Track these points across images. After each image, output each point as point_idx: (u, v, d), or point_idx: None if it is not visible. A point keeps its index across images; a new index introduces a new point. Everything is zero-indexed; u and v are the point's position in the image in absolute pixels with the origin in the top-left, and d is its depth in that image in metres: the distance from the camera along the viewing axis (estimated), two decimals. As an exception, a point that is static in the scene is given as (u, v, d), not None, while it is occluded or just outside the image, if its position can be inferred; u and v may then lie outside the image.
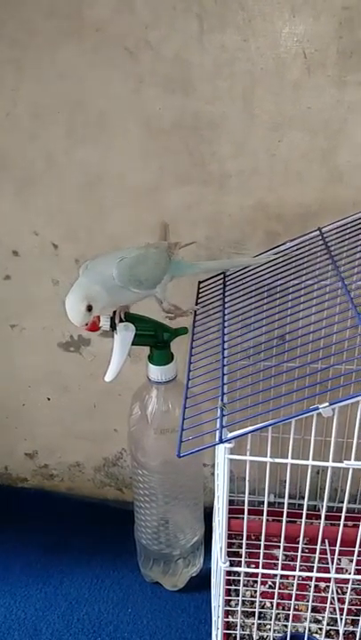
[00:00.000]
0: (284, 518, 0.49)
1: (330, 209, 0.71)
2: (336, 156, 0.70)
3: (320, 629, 0.69)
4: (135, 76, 0.70)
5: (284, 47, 0.66)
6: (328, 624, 0.67)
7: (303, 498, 0.75)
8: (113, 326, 0.65)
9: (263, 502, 0.49)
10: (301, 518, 0.52)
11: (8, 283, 0.85)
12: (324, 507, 0.48)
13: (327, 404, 0.42)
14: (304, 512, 0.48)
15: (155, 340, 0.69)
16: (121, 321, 0.65)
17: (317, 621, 0.71)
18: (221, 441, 0.43)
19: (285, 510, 0.49)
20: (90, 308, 0.57)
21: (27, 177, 0.77)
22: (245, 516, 0.48)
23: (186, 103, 0.70)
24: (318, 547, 0.50)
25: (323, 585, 0.74)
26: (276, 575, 0.53)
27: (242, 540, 0.52)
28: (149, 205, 0.76)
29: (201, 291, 0.71)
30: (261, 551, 0.50)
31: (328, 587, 0.73)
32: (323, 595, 0.71)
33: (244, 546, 0.50)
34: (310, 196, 0.72)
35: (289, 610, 0.68)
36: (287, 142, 0.70)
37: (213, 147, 0.71)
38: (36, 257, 0.82)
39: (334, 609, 0.69)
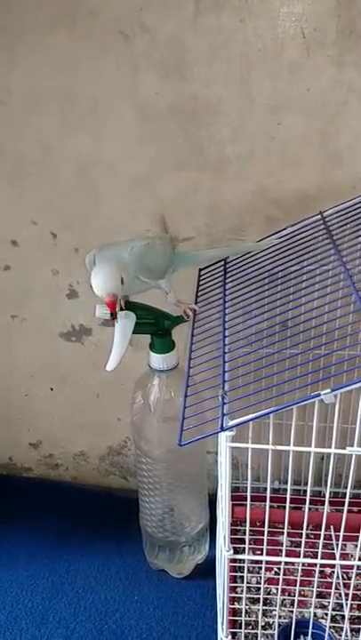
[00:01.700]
0: (288, 505, 0.49)
1: (330, 193, 0.70)
2: (336, 138, 0.69)
3: (326, 614, 0.69)
4: (130, 61, 0.68)
5: (281, 27, 0.65)
6: (334, 609, 0.67)
7: (307, 484, 0.75)
8: (113, 315, 0.65)
9: (267, 489, 0.49)
10: (305, 505, 0.52)
11: (8, 273, 0.84)
12: (328, 492, 0.48)
13: (329, 390, 0.41)
14: (307, 498, 0.48)
15: (155, 328, 0.69)
16: (121, 309, 0.65)
17: (323, 607, 0.71)
18: (223, 429, 0.42)
19: (288, 497, 0.49)
20: (122, 281, 0.57)
21: (22, 166, 0.77)
22: (248, 503, 0.48)
23: (182, 87, 0.69)
24: (323, 532, 0.50)
25: (328, 571, 0.74)
26: (280, 562, 0.53)
27: (246, 527, 0.52)
28: (147, 192, 0.75)
29: (202, 278, 0.70)
30: (265, 538, 0.50)
31: (333, 572, 0.73)
32: (328, 580, 0.71)
33: (247, 533, 0.50)
34: (310, 179, 0.71)
35: (294, 596, 0.68)
36: (286, 125, 0.69)
37: (211, 131, 0.70)
38: (36, 246, 0.81)
39: (340, 594, 0.69)
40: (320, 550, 0.50)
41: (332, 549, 0.73)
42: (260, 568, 0.73)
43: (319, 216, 0.67)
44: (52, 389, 0.92)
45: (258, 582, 0.73)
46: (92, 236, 0.78)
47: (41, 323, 0.87)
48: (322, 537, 0.50)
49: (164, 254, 0.63)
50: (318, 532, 0.52)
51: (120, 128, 0.72)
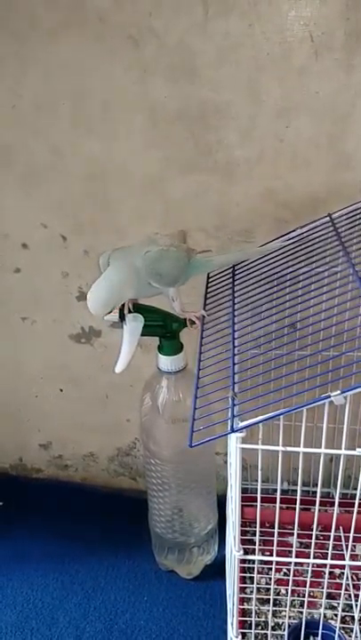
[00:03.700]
0: (298, 506, 0.49)
1: (338, 195, 0.70)
2: (344, 141, 0.69)
3: (335, 615, 0.69)
4: (139, 65, 0.69)
5: (290, 31, 0.65)
6: (343, 610, 0.67)
7: (317, 485, 0.75)
8: (122, 317, 0.65)
9: (276, 490, 0.50)
10: (315, 506, 0.52)
11: (18, 276, 0.85)
12: (338, 494, 0.48)
13: (339, 391, 0.41)
14: (317, 499, 0.48)
15: (164, 330, 0.69)
16: (130, 312, 0.66)
17: (332, 608, 0.71)
18: (233, 430, 0.43)
19: (298, 498, 0.49)
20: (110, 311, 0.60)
21: (33, 170, 0.77)
22: (258, 504, 0.48)
23: (191, 91, 0.69)
24: (333, 534, 0.50)
25: (338, 572, 0.74)
26: (289, 562, 0.53)
27: (254, 527, 0.52)
28: (156, 195, 0.76)
29: (210, 280, 0.70)
30: (275, 539, 0.51)
31: (343, 573, 0.73)
32: (338, 581, 0.71)
33: (257, 534, 0.50)
34: (318, 182, 0.71)
35: (304, 597, 0.68)
36: (294, 128, 0.69)
37: (219, 134, 0.71)
38: (46, 249, 0.82)
39: (349, 595, 0.69)
40: (330, 551, 0.50)
41: (342, 550, 0.73)
42: (270, 569, 0.74)
43: (328, 218, 0.67)
44: (61, 390, 0.93)
45: (267, 583, 0.73)
46: (102, 239, 0.78)
47: (51, 325, 0.88)
48: (332, 538, 0.50)
49: (177, 262, 0.63)
50: (327, 534, 0.52)
51: (129, 132, 0.73)
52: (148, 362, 0.75)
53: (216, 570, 0.81)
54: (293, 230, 0.69)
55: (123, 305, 0.65)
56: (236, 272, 0.68)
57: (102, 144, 0.74)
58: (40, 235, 0.81)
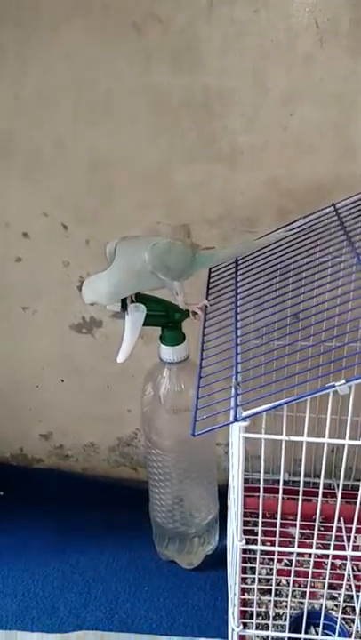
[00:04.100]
0: (301, 496, 0.49)
1: (343, 184, 0.70)
2: (349, 129, 0.69)
3: (336, 606, 0.70)
4: (143, 53, 0.68)
5: (295, 17, 0.64)
6: (344, 601, 0.67)
7: (318, 476, 0.75)
8: (124, 307, 0.65)
9: (277, 481, 0.49)
10: (316, 497, 0.52)
11: (19, 265, 0.84)
12: (341, 484, 0.48)
13: (343, 381, 0.41)
14: (320, 490, 0.48)
15: (166, 320, 0.69)
16: (132, 302, 0.65)
17: (333, 598, 0.71)
18: (236, 419, 0.42)
19: (301, 488, 0.49)
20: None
21: (35, 159, 0.77)
22: (261, 494, 0.48)
23: (195, 78, 0.69)
24: (335, 524, 0.50)
25: (338, 562, 0.74)
26: (291, 553, 0.53)
27: (256, 518, 0.52)
28: (159, 184, 0.75)
29: (213, 270, 0.70)
30: (278, 529, 0.50)
31: (344, 564, 0.73)
32: (339, 572, 0.71)
33: (260, 524, 0.50)
34: (323, 171, 0.71)
35: (304, 587, 0.68)
36: (300, 116, 0.69)
37: (224, 122, 0.70)
38: (47, 238, 0.82)
39: (350, 586, 0.69)
40: (333, 541, 0.50)
41: (342, 541, 0.73)
42: (271, 559, 0.74)
43: (332, 207, 0.66)
44: (62, 381, 0.93)
45: (268, 573, 0.73)
46: (104, 229, 0.78)
47: (52, 314, 0.87)
48: (334, 528, 0.50)
49: (184, 256, 0.63)
50: (328, 525, 0.52)
51: (132, 120, 0.72)
52: (149, 352, 0.74)
53: (217, 560, 0.81)
54: (297, 220, 0.68)
55: (125, 295, 0.65)
56: (239, 262, 0.68)
57: (105, 133, 0.73)
58: (41, 224, 0.81)
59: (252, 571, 0.72)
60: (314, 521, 0.52)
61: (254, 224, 0.74)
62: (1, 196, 0.80)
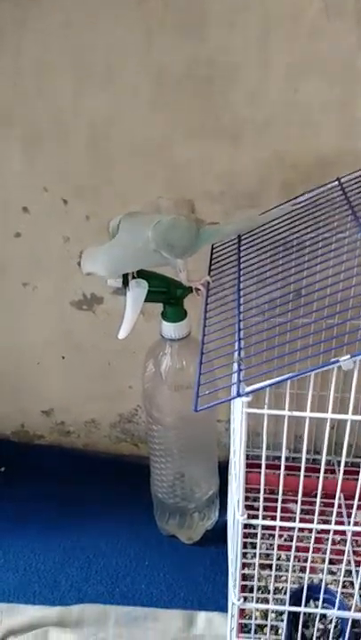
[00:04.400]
0: (302, 472, 0.49)
1: (348, 159, 0.69)
2: (354, 105, 0.67)
3: (335, 581, 0.70)
4: (145, 25, 0.67)
5: (301, -12, 0.63)
6: (343, 576, 0.68)
7: (318, 453, 0.75)
8: (125, 283, 0.65)
9: (277, 457, 0.50)
10: (315, 473, 0.52)
11: (19, 240, 0.84)
12: (343, 461, 0.48)
13: (348, 356, 0.41)
14: (322, 466, 0.48)
15: (167, 296, 0.69)
16: (133, 278, 0.65)
17: (332, 573, 0.72)
18: (239, 395, 0.42)
19: (303, 464, 0.49)
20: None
21: (34, 133, 0.76)
22: (263, 470, 0.48)
23: (198, 51, 0.67)
24: (337, 500, 0.50)
25: (338, 538, 0.74)
26: (291, 528, 0.53)
27: (256, 493, 0.53)
28: (161, 159, 0.74)
29: (216, 246, 0.69)
30: (279, 505, 0.51)
31: (343, 540, 0.74)
32: (338, 547, 0.71)
33: (261, 499, 0.50)
34: (328, 146, 0.70)
35: (304, 562, 0.69)
36: (305, 91, 0.67)
37: (227, 97, 0.69)
38: (47, 214, 0.81)
39: (349, 561, 0.70)
40: (334, 517, 0.50)
41: (341, 517, 0.74)
42: (270, 535, 0.74)
43: (337, 182, 0.65)
44: (63, 358, 0.93)
45: (267, 548, 0.74)
46: (104, 204, 0.77)
47: (52, 291, 0.87)
48: (336, 504, 0.50)
49: (188, 233, 0.62)
50: (327, 501, 0.52)
51: (134, 94, 0.71)
52: (150, 329, 0.74)
53: (216, 535, 0.82)
54: (302, 194, 0.67)
55: (126, 270, 0.65)
56: (242, 237, 0.67)
57: (105, 106, 0.72)
58: (41, 198, 0.80)
59: (252, 546, 0.72)
60: (313, 497, 0.52)
61: (257, 200, 0.73)
62: (0, 169, 0.79)
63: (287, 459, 0.48)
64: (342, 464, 0.48)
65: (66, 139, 0.75)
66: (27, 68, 0.72)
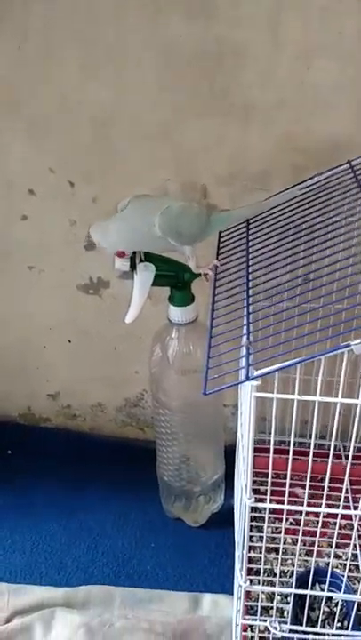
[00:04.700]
0: (311, 456, 0.49)
1: (360, 142, 0.68)
2: (367, 85, 0.66)
3: (340, 564, 0.71)
4: (152, 3, 0.65)
5: (313, -35, 0.61)
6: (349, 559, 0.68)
7: (323, 437, 0.75)
8: (133, 266, 0.64)
9: (282, 442, 0.50)
10: (320, 458, 0.52)
11: (25, 223, 0.83)
12: (353, 446, 0.48)
13: (360, 340, 0.40)
14: (331, 451, 0.48)
15: (175, 280, 0.68)
16: (141, 261, 0.64)
17: (337, 557, 0.72)
18: (248, 378, 0.42)
19: (312, 449, 0.49)
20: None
21: (40, 114, 0.75)
22: (271, 454, 0.48)
23: (208, 30, 0.66)
24: (345, 484, 0.50)
25: (343, 522, 0.75)
26: (296, 512, 0.54)
27: (262, 477, 0.53)
28: (168, 141, 0.73)
29: (223, 230, 0.69)
30: (287, 489, 0.51)
31: (348, 524, 0.74)
32: (343, 532, 0.72)
33: (269, 483, 0.50)
34: (340, 127, 0.69)
35: (309, 546, 0.69)
36: (316, 70, 0.66)
37: (237, 76, 0.68)
38: (53, 196, 0.80)
39: (355, 545, 0.70)
40: (342, 501, 0.50)
41: (346, 502, 0.74)
42: (276, 519, 0.75)
43: (347, 165, 0.65)
44: (69, 341, 0.92)
45: (273, 532, 0.74)
46: (111, 186, 0.76)
47: (59, 274, 0.87)
48: (344, 488, 0.50)
49: (198, 220, 0.61)
50: (333, 485, 0.52)
51: (141, 74, 0.70)
52: (156, 313, 0.74)
53: (222, 518, 0.82)
54: (311, 177, 0.66)
55: (134, 254, 0.64)
56: (250, 221, 0.66)
57: (112, 87, 0.71)
58: (47, 180, 0.79)
59: (258, 529, 0.73)
60: (319, 481, 0.52)
61: (266, 182, 0.72)
62: (6, 151, 0.78)
63: (293, 443, 0.48)
64: (351, 449, 0.48)
65: (72, 120, 0.74)
66: (33, 49, 0.71)
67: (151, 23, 0.67)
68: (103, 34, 0.68)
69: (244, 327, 0.49)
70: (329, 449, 0.48)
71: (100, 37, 0.69)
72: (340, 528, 0.63)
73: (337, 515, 0.51)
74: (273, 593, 0.65)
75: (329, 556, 0.66)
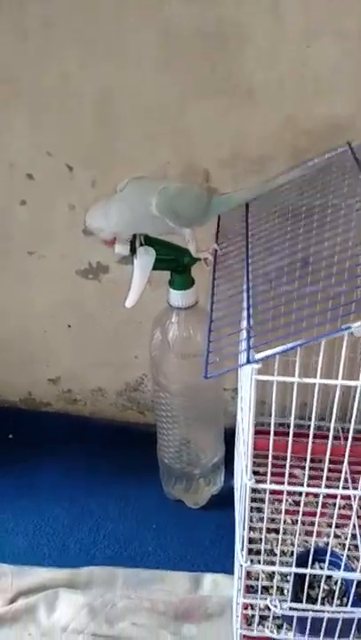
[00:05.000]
0: (311, 438, 0.50)
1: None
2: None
3: (339, 544, 0.72)
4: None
5: None
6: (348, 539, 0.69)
7: (323, 419, 0.76)
8: (133, 250, 0.64)
9: (281, 424, 0.50)
10: (320, 439, 0.53)
11: (24, 208, 0.83)
12: (352, 428, 0.48)
13: (360, 322, 0.41)
14: (331, 432, 0.48)
15: (175, 264, 0.68)
16: (141, 245, 0.64)
17: (337, 537, 0.73)
18: (249, 361, 0.42)
19: (312, 431, 0.50)
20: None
21: (39, 96, 0.74)
22: (272, 436, 0.49)
23: (209, 9, 0.65)
24: (345, 465, 0.50)
25: (342, 503, 0.75)
26: (295, 493, 0.54)
27: (261, 459, 0.53)
28: (169, 123, 0.73)
29: (223, 213, 0.68)
30: (287, 470, 0.51)
31: (347, 505, 0.75)
32: (343, 512, 0.72)
33: (270, 464, 0.51)
34: (343, 109, 0.68)
35: (309, 525, 0.70)
36: (319, 51, 0.66)
37: (238, 57, 0.67)
38: (51, 180, 0.80)
39: (354, 525, 0.71)
40: (341, 483, 0.51)
41: (345, 482, 0.75)
42: (275, 500, 0.75)
43: (347, 147, 0.64)
44: (69, 326, 0.93)
45: (272, 513, 0.75)
46: (110, 170, 0.76)
47: (58, 260, 0.86)
48: (344, 469, 0.50)
49: (197, 202, 0.61)
50: (332, 466, 0.53)
51: (141, 54, 0.69)
52: (156, 298, 0.74)
53: (222, 500, 0.83)
54: (311, 159, 0.66)
55: (134, 237, 0.64)
56: (250, 204, 0.66)
57: (112, 68, 0.71)
58: (45, 164, 0.79)
59: (258, 510, 0.74)
60: (319, 462, 0.53)
61: (267, 164, 0.72)
62: (4, 134, 0.78)
63: (289, 425, 0.49)
64: (351, 430, 0.48)
65: (70, 101, 0.74)
66: (32, 29, 0.70)
67: (152, 3, 0.66)
68: (103, 14, 0.68)
69: (245, 311, 0.50)
70: (328, 430, 0.49)
71: (100, 18, 0.68)
72: (339, 508, 0.64)
73: (336, 495, 0.52)
74: (273, 572, 0.66)
75: (328, 536, 0.67)
